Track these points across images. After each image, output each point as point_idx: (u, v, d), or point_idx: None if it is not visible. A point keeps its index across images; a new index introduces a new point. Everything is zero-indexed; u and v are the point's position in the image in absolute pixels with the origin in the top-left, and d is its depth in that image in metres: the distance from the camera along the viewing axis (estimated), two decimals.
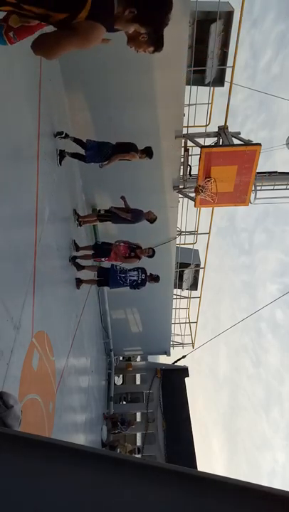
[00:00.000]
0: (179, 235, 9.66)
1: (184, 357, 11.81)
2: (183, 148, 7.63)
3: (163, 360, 14.00)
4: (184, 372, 12.67)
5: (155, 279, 6.97)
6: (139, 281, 6.84)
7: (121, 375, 14.03)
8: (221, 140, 7.48)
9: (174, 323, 12.37)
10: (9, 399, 1.63)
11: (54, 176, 5.61)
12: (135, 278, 6.84)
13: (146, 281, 6.91)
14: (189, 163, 7.91)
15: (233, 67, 6.83)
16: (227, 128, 7.53)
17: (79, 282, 7.03)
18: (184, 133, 7.37)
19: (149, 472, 0.98)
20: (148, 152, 6.20)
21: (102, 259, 6.98)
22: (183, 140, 7.49)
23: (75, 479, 0.97)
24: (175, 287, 11.03)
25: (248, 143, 7.18)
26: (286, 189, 8.40)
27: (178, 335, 12.69)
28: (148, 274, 6.91)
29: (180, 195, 8.47)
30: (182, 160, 7.85)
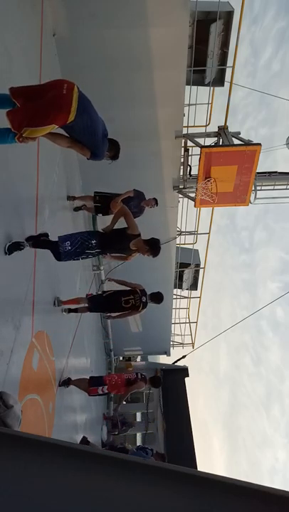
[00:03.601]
0: (179, 235, 9.66)
1: (184, 357, 11.80)
2: (183, 148, 7.63)
3: (163, 360, 13.99)
4: (183, 372, 12.66)
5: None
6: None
7: None
8: (221, 140, 7.47)
9: (174, 323, 12.37)
10: (9, 399, 1.63)
11: (54, 176, 5.61)
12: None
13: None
14: (189, 163, 7.91)
15: (233, 67, 6.83)
16: (227, 128, 7.53)
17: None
18: (184, 133, 7.36)
19: (150, 472, 0.98)
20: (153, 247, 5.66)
21: (99, 391, 6.48)
22: (183, 140, 7.48)
23: (76, 480, 0.97)
24: (175, 287, 11.02)
25: (248, 143, 7.18)
26: (286, 189, 8.40)
27: (178, 335, 12.69)
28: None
29: (180, 195, 8.46)
30: (182, 160, 7.84)
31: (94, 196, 6.63)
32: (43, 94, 2.93)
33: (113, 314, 6.07)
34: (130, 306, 5.61)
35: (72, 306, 6.19)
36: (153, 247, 4.46)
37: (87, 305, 6.07)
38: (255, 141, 7.19)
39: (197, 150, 7.35)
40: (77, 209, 6.93)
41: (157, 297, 5.78)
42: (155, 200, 6.58)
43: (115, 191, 8.19)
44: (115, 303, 5.68)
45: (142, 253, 4.48)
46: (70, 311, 6.24)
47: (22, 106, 2.89)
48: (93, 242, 4.30)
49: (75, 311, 6.35)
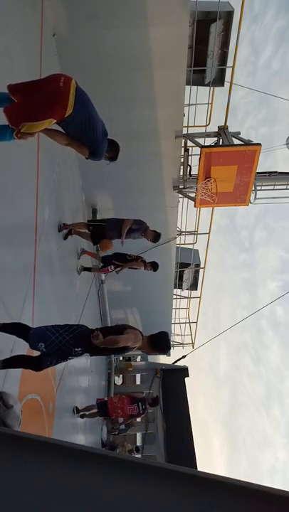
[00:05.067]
0: (179, 235, 9.66)
1: (184, 357, 11.80)
2: (183, 148, 7.63)
3: (163, 360, 14.00)
4: (183, 372, 12.66)
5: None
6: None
7: (121, 375, 14.03)
8: (221, 140, 7.47)
9: (174, 323, 12.37)
10: (9, 399, 1.63)
11: (54, 176, 5.61)
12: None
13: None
14: (189, 163, 7.91)
15: (233, 67, 6.83)
16: (227, 128, 7.53)
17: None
18: (184, 133, 7.36)
19: (150, 472, 0.98)
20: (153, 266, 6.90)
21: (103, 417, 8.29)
22: (183, 140, 7.48)
23: (76, 480, 0.97)
24: (175, 287, 11.02)
25: (248, 143, 7.18)
26: (286, 189, 8.40)
27: (178, 335, 12.69)
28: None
29: (180, 195, 8.46)
30: (182, 160, 7.84)
31: (88, 226, 6.52)
32: (41, 88, 2.89)
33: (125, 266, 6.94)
34: (133, 259, 6.87)
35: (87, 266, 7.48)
36: (159, 348, 3.66)
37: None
38: (255, 141, 7.19)
39: (197, 150, 7.35)
40: (66, 236, 6.26)
41: (153, 265, 6.92)
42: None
43: (115, 192, 8.21)
44: (122, 257, 6.91)
45: (148, 353, 3.83)
46: (84, 269, 7.33)
47: (20, 101, 2.86)
48: (78, 350, 3.31)
49: (89, 270, 7.47)
